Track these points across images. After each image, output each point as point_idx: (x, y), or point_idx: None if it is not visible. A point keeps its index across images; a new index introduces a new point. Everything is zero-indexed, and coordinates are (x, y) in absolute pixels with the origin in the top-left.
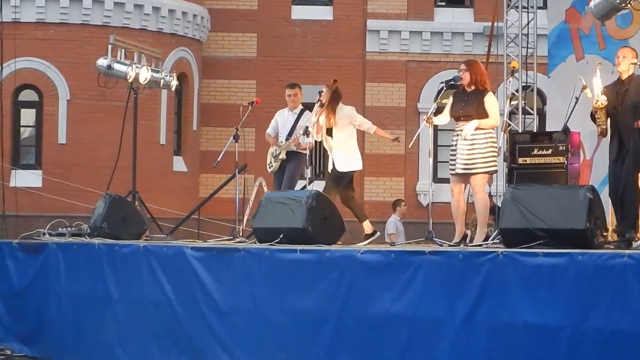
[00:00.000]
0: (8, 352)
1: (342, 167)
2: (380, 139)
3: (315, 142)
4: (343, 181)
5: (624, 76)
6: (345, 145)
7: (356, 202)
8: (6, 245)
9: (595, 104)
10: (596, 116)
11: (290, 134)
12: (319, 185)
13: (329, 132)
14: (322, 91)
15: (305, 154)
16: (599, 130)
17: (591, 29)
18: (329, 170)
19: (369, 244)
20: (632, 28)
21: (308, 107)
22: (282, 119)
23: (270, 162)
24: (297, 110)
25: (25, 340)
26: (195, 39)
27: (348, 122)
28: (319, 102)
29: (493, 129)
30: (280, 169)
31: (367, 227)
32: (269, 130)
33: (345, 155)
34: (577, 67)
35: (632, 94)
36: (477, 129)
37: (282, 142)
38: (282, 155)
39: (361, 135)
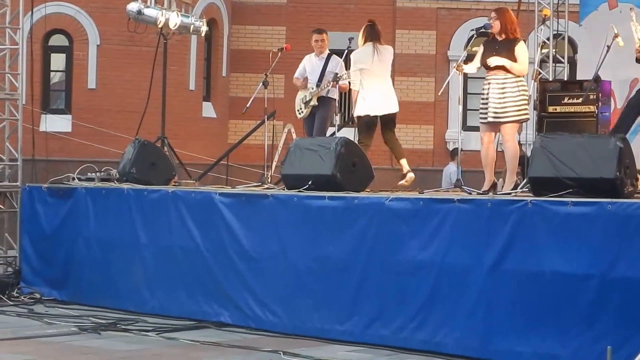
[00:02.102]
0: (37, 295)
1: (385, 109)
2: (410, 85)
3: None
4: (389, 124)
5: None
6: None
7: (397, 140)
8: (35, 189)
9: (638, 45)
10: None
11: (320, 80)
12: (347, 132)
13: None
14: (352, 38)
15: (334, 100)
16: None
17: None
18: (362, 114)
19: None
20: None
21: (336, 52)
22: (310, 65)
23: (300, 108)
24: (324, 56)
25: (54, 284)
26: None
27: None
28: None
29: (522, 77)
30: (311, 115)
31: (404, 165)
32: (297, 75)
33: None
34: (610, 15)
35: None
36: (504, 71)
37: (312, 88)
38: (314, 102)
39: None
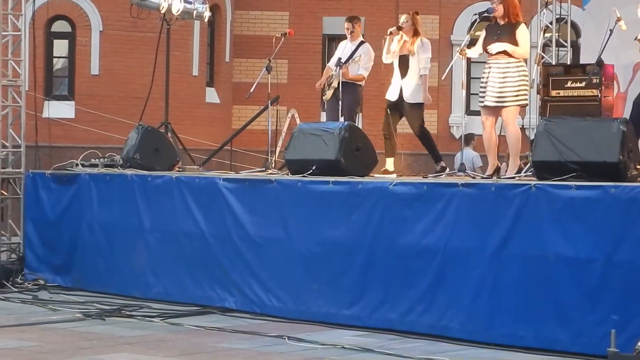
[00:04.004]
0: (41, 282)
1: (410, 99)
2: None
3: None
4: (415, 111)
5: None
6: (414, 76)
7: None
8: (39, 176)
9: None
10: None
11: (344, 64)
12: None
13: (402, 59)
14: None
15: (361, 86)
16: None
17: None
18: (393, 98)
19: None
20: None
21: (338, 38)
22: (342, 49)
23: (325, 90)
24: (357, 42)
25: (58, 270)
26: None
27: (421, 53)
28: (395, 30)
29: (524, 60)
30: (333, 97)
31: (390, 165)
32: (329, 63)
33: (415, 85)
34: None
35: None
36: (506, 55)
37: (336, 70)
38: (334, 84)
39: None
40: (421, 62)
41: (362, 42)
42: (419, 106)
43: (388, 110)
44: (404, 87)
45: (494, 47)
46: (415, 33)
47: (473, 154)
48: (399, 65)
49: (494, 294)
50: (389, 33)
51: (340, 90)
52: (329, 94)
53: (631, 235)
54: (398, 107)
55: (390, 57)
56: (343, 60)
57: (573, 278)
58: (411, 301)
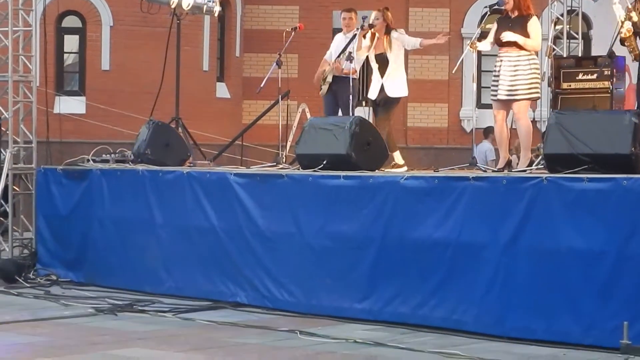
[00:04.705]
0: (54, 277)
1: (393, 93)
2: (424, 64)
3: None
4: (393, 106)
5: None
6: (397, 70)
7: (392, 131)
8: (50, 171)
9: (622, 34)
10: (626, 44)
11: (339, 57)
12: (360, 112)
13: (379, 57)
14: (366, 17)
15: (355, 79)
16: (632, 57)
17: None
18: (373, 96)
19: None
20: None
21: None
22: (337, 42)
23: (321, 85)
24: (351, 34)
25: (70, 265)
26: None
27: (400, 45)
28: (367, 26)
29: (535, 53)
30: (330, 92)
31: (398, 158)
32: (326, 57)
33: (397, 80)
34: None
35: None
36: (518, 48)
37: (331, 64)
38: (329, 78)
39: (404, 61)
40: (408, 43)
41: (355, 35)
42: (397, 100)
43: (371, 109)
44: (385, 84)
45: (507, 35)
46: (387, 30)
47: (487, 147)
48: (378, 64)
49: (506, 287)
50: (360, 29)
51: (335, 84)
52: (324, 89)
53: None
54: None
55: (361, 53)
56: (338, 53)
57: (585, 271)
58: (423, 295)
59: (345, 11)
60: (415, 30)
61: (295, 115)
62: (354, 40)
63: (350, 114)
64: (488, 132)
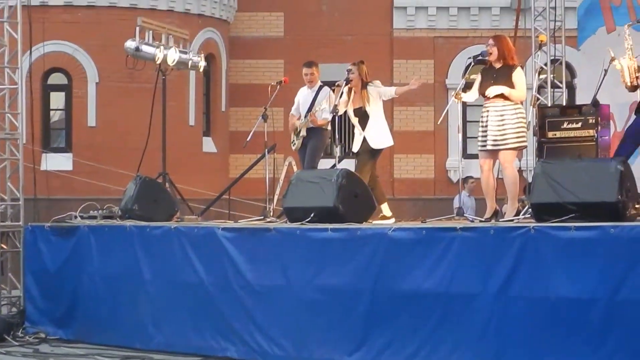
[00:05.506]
0: (42, 335)
1: (376, 144)
2: (409, 115)
3: (339, 118)
4: (375, 158)
5: None
6: (378, 122)
7: (379, 182)
8: (38, 228)
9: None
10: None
11: (309, 111)
12: (347, 164)
13: (358, 112)
14: (350, 69)
15: (327, 130)
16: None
17: (622, 0)
18: (356, 149)
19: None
20: None
21: (327, 84)
22: (303, 97)
23: (293, 140)
24: (316, 88)
25: (59, 323)
26: (222, 19)
27: (378, 97)
28: (346, 80)
29: (520, 103)
30: (303, 146)
31: (386, 210)
32: (293, 111)
33: (379, 132)
34: (608, 39)
35: None
36: (504, 99)
37: (302, 119)
38: (303, 132)
39: (389, 112)
40: (384, 93)
41: (321, 87)
42: (378, 152)
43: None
44: (367, 136)
45: (491, 91)
46: (363, 84)
47: (466, 194)
48: (357, 117)
49: (499, 335)
50: (336, 85)
51: (308, 137)
52: (298, 143)
53: (633, 274)
54: None
55: (340, 108)
56: (306, 109)
57: (576, 319)
58: (415, 345)
59: (306, 66)
60: (400, 82)
61: (282, 168)
62: (321, 92)
63: (317, 164)
64: (465, 181)
